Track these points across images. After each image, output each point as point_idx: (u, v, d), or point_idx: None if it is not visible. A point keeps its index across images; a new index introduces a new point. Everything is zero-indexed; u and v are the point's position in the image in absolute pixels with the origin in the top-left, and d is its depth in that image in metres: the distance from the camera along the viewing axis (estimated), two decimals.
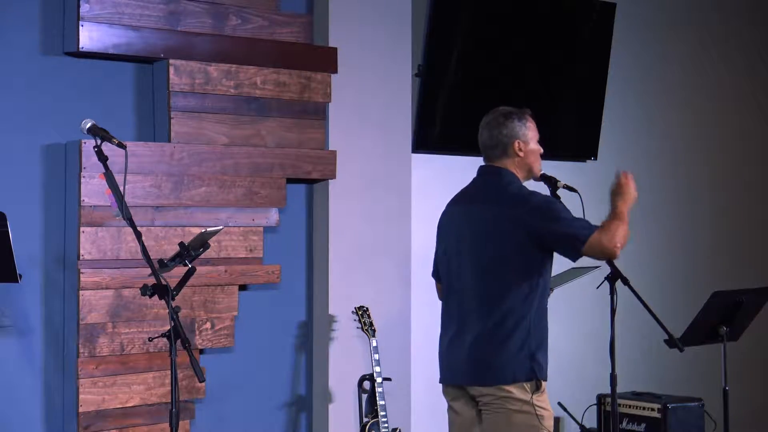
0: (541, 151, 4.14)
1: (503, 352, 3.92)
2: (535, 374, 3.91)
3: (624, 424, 5.62)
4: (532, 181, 4.33)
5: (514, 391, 3.89)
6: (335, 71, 5.10)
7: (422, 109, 5.50)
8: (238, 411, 4.94)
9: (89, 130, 3.66)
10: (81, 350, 4.36)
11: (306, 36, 5.05)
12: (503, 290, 3.93)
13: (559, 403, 5.72)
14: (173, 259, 3.59)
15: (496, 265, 3.95)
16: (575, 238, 3.91)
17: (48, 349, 4.46)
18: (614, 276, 4.05)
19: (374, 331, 4.93)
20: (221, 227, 3.78)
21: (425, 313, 5.14)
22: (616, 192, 4.10)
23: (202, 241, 3.61)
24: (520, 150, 4.05)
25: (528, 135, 4.08)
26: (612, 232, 3.96)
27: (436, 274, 4.16)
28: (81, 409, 4.36)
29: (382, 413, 4.88)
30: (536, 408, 3.90)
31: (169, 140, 4.62)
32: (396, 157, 5.37)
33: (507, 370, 3.91)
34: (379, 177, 5.28)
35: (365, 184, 5.24)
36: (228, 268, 4.74)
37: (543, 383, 3.94)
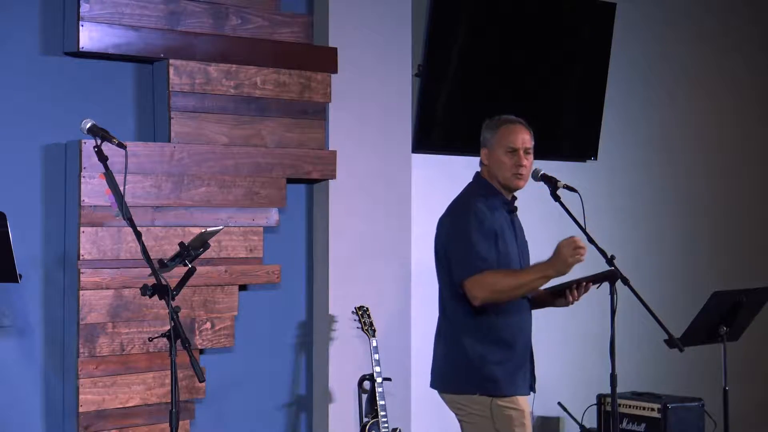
0: (518, 162, 4.04)
1: (451, 360, 4.02)
2: (487, 390, 3.95)
3: (624, 424, 5.62)
4: (532, 181, 4.33)
5: (464, 398, 4.00)
6: (335, 71, 5.10)
7: (422, 109, 5.50)
8: (238, 411, 4.94)
9: (89, 130, 3.66)
10: (81, 350, 4.36)
11: (306, 36, 5.05)
12: (447, 299, 4.05)
13: (559, 403, 5.73)
14: (173, 259, 3.59)
15: (440, 274, 4.08)
16: (459, 272, 3.93)
17: (48, 349, 4.46)
18: (614, 276, 4.05)
19: (374, 331, 4.93)
20: (221, 227, 3.78)
21: (425, 313, 5.13)
22: (556, 251, 3.89)
23: (202, 241, 3.61)
24: (486, 158, 4.10)
25: (493, 142, 4.09)
26: (485, 284, 3.89)
27: None
28: (81, 409, 4.36)
29: (382, 413, 4.87)
30: (501, 410, 3.95)
31: (169, 140, 4.62)
32: (396, 157, 5.37)
33: (456, 379, 4.01)
34: (379, 177, 5.28)
35: (365, 184, 5.24)
36: (228, 268, 4.74)
37: (502, 398, 3.96)
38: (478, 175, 4.16)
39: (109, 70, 4.63)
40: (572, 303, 4.16)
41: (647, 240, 6.50)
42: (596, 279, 4.09)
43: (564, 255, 3.83)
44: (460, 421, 4.05)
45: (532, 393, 4.14)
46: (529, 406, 4.08)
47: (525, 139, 4.09)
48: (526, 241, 4.25)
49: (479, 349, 3.97)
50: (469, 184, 4.17)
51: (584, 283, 4.11)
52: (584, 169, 6.12)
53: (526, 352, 4.10)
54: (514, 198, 4.19)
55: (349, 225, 5.19)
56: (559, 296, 4.17)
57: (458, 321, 4.01)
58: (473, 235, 3.94)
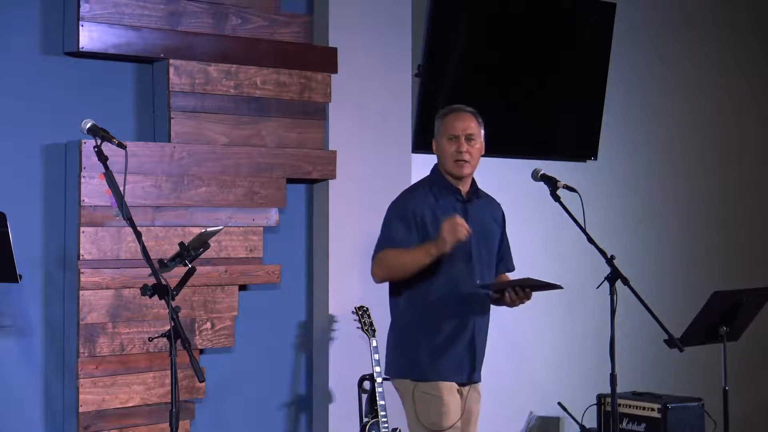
0: (458, 149, 4.08)
1: (390, 346, 4.18)
2: (409, 374, 4.09)
3: (624, 424, 5.62)
4: (532, 181, 4.33)
5: (398, 383, 4.15)
6: (335, 71, 5.10)
7: (422, 109, 5.50)
8: (238, 411, 4.94)
9: (89, 130, 3.66)
10: (81, 350, 4.36)
11: (306, 36, 5.05)
12: (390, 286, 4.18)
13: (559, 403, 5.73)
14: (173, 259, 3.59)
15: None
16: (374, 250, 4.11)
17: (48, 349, 4.46)
18: (614, 276, 4.05)
19: (374, 331, 4.92)
20: (221, 227, 3.78)
21: None
22: (441, 232, 3.93)
23: (202, 241, 3.61)
24: (435, 148, 4.18)
25: (439, 130, 4.16)
26: (381, 260, 4.07)
27: None
28: (81, 409, 4.36)
29: (382, 413, 4.87)
30: (422, 395, 4.06)
31: (169, 140, 4.62)
32: (396, 157, 5.37)
33: (395, 364, 4.16)
34: (379, 177, 5.28)
35: (365, 184, 5.24)
36: (228, 268, 4.74)
37: (425, 382, 4.06)
38: (434, 166, 4.22)
39: (109, 70, 4.63)
40: (511, 305, 4.12)
41: (647, 240, 6.50)
42: (540, 286, 4.09)
43: (443, 233, 3.90)
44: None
45: (472, 385, 4.18)
46: (460, 396, 4.11)
47: (467, 126, 4.12)
48: (490, 230, 4.23)
49: (408, 334, 4.10)
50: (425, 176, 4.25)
51: (526, 289, 4.07)
52: (584, 169, 6.12)
53: (463, 341, 4.10)
54: (474, 187, 4.21)
55: (349, 225, 5.18)
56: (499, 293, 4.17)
57: (396, 306, 4.16)
58: (391, 221, 4.09)
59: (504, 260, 4.34)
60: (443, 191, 4.14)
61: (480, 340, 4.19)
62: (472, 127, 4.13)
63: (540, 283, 4.08)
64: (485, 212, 4.24)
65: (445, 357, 4.07)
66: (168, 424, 3.49)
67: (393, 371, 4.20)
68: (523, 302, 4.14)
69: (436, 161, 4.20)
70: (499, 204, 4.35)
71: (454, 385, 4.10)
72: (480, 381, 4.25)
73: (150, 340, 3.77)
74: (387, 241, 4.07)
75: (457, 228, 3.88)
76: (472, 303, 4.14)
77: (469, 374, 4.15)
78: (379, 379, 4.89)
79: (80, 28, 4.40)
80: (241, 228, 4.78)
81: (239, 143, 4.80)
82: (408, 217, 4.06)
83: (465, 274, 4.11)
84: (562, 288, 4.09)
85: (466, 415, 4.17)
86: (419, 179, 4.28)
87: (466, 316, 4.12)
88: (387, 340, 4.23)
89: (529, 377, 5.95)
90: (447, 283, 4.07)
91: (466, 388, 4.17)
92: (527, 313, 5.95)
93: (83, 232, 4.35)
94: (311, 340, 5.20)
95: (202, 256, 3.69)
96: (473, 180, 4.23)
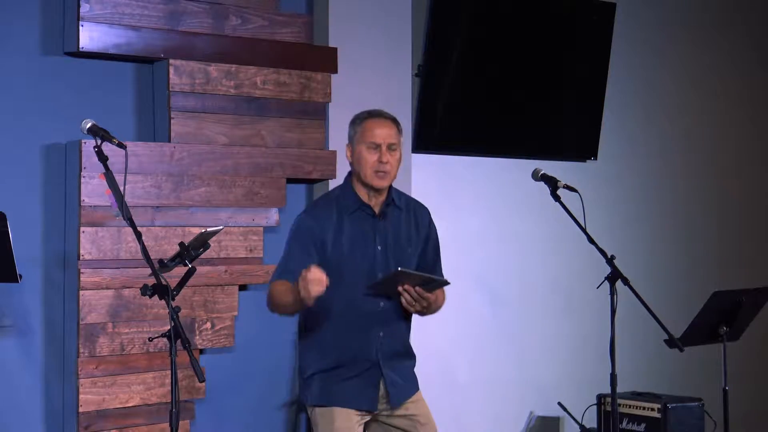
0: (378, 159, 3.82)
1: (298, 370, 4.01)
2: (306, 398, 3.92)
3: (624, 424, 5.62)
4: (532, 181, 4.33)
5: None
6: (335, 71, 5.10)
7: (422, 109, 5.50)
8: (238, 411, 4.94)
9: (89, 130, 3.66)
10: (81, 350, 4.36)
11: (306, 36, 5.05)
12: None
13: (559, 403, 5.73)
14: (173, 259, 3.59)
15: None
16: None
17: (48, 349, 4.46)
18: (614, 276, 4.05)
19: None
20: (221, 227, 3.78)
21: None
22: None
23: (202, 241, 3.61)
24: (350, 155, 3.91)
25: (354, 137, 3.88)
26: (271, 294, 3.81)
27: None
28: (81, 409, 4.36)
29: None
30: (316, 419, 3.88)
31: (169, 140, 4.62)
32: None
33: (300, 388, 4.02)
34: None
35: None
36: (228, 268, 4.74)
37: (320, 408, 3.87)
38: (348, 174, 3.96)
39: (109, 70, 4.63)
40: (414, 310, 3.83)
41: (647, 240, 6.50)
42: (377, 285, 3.81)
43: (300, 288, 3.55)
44: None
45: (377, 411, 3.90)
46: (354, 422, 3.86)
47: (389, 134, 3.86)
48: (407, 244, 3.94)
49: (306, 359, 3.93)
50: (339, 186, 3.99)
51: (416, 287, 3.74)
52: (584, 169, 6.12)
53: (361, 366, 3.86)
54: (390, 198, 3.93)
55: None
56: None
57: (300, 327, 4.00)
58: (290, 243, 3.85)
59: (432, 273, 3.93)
60: (350, 208, 3.87)
61: (388, 364, 3.88)
62: (393, 136, 3.87)
63: (421, 278, 3.76)
64: (401, 225, 3.94)
65: (341, 382, 3.84)
66: (168, 424, 3.49)
67: (301, 393, 4.01)
68: (423, 305, 3.78)
69: (352, 174, 3.92)
70: (426, 210, 4.07)
71: (352, 413, 3.85)
72: (415, 391, 3.97)
73: (150, 340, 3.77)
74: (281, 269, 3.81)
75: (308, 284, 3.51)
76: (373, 328, 3.86)
77: (372, 401, 3.87)
78: None
79: (80, 28, 4.40)
80: (241, 228, 4.78)
81: (239, 143, 4.80)
82: (306, 240, 3.80)
83: (367, 295, 3.82)
84: (449, 283, 3.82)
85: None
86: (331, 189, 4.01)
87: (366, 341, 3.85)
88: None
89: (529, 377, 5.95)
90: (347, 304, 3.81)
91: (376, 413, 3.91)
92: (527, 313, 5.98)
93: (83, 232, 4.35)
94: None
95: (202, 256, 3.68)
96: (390, 189, 3.93)
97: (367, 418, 3.92)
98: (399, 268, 3.71)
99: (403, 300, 3.77)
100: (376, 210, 3.91)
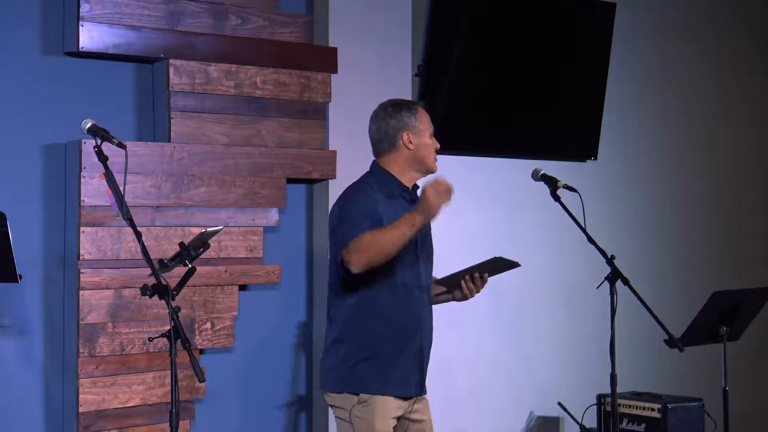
0: (437, 146, 4.00)
1: (328, 357, 3.94)
2: (353, 385, 3.86)
3: (624, 424, 5.62)
4: (532, 181, 4.33)
5: (336, 398, 3.90)
6: (335, 71, 5.10)
7: None
8: (238, 411, 4.94)
9: (89, 130, 3.66)
10: (81, 350, 4.36)
11: (306, 36, 5.05)
12: (330, 293, 3.98)
13: (559, 403, 5.73)
14: (173, 259, 3.59)
15: (330, 267, 4.00)
16: (339, 246, 3.79)
17: (48, 349, 4.46)
18: (614, 276, 4.05)
19: None
20: (221, 227, 3.78)
21: None
22: (422, 195, 3.69)
23: (202, 241, 3.61)
24: (410, 142, 3.96)
25: (419, 126, 3.97)
26: (359, 244, 3.69)
27: None
28: (81, 409, 4.36)
29: None
30: (353, 419, 3.85)
31: (169, 140, 4.62)
32: None
33: (329, 376, 3.93)
34: None
35: None
36: (228, 268, 4.74)
37: (367, 396, 3.84)
38: (374, 163, 4.02)
39: (109, 70, 4.63)
40: (470, 296, 4.00)
41: (647, 240, 6.50)
42: (483, 268, 3.93)
43: (429, 197, 3.64)
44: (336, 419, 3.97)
45: (419, 396, 3.95)
46: (401, 415, 3.90)
47: None
48: (428, 232, 4.05)
49: (348, 345, 3.88)
50: (363, 177, 4.02)
51: (477, 274, 3.95)
52: (584, 169, 6.12)
53: (409, 351, 3.90)
54: (416, 186, 4.00)
55: None
56: (456, 289, 4.03)
57: (336, 317, 3.94)
58: (351, 215, 3.81)
59: (431, 254, 4.14)
60: (393, 190, 3.94)
61: (428, 348, 3.98)
62: None
63: (503, 263, 3.93)
64: None
65: (391, 370, 3.85)
66: (168, 424, 3.49)
67: (327, 384, 3.94)
68: (479, 291, 3.98)
69: (397, 160, 3.97)
70: None
71: (401, 401, 3.89)
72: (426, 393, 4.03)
73: (150, 340, 3.77)
74: (357, 228, 3.74)
75: (442, 189, 3.65)
76: (419, 309, 3.94)
77: (418, 388, 3.93)
78: None
79: (80, 28, 4.40)
80: (241, 228, 4.78)
81: (239, 143, 4.80)
82: (368, 214, 3.79)
83: (412, 276, 3.92)
84: (519, 265, 3.95)
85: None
86: (361, 178, 4.02)
87: (413, 323, 3.91)
88: (323, 351, 3.99)
89: (529, 377, 5.95)
90: (398, 286, 3.86)
91: (411, 402, 3.95)
92: (527, 313, 5.98)
93: (83, 232, 4.35)
94: (311, 340, 5.20)
95: (202, 256, 3.69)
96: None
97: (400, 412, 3.91)
98: (498, 256, 3.88)
99: (464, 287, 3.94)
100: (411, 195, 4.01)
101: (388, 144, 3.98)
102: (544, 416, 5.95)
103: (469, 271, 3.97)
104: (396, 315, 3.88)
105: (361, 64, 5.23)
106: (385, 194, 3.92)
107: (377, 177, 3.98)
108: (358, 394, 3.86)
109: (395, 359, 3.87)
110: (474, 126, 5.74)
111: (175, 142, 4.63)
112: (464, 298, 4.04)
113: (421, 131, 3.97)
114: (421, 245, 3.98)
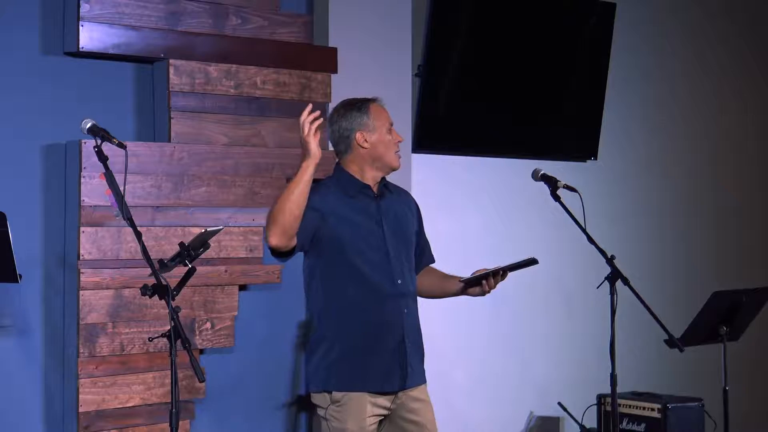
0: (399, 139, 4.00)
1: (311, 356, 3.96)
2: (328, 384, 3.87)
3: (624, 424, 5.62)
4: (532, 181, 4.33)
5: (317, 397, 3.92)
6: (335, 71, 5.10)
7: (422, 109, 5.50)
8: (238, 411, 4.94)
9: (89, 130, 3.66)
10: (81, 350, 4.36)
11: (306, 36, 5.05)
12: (307, 292, 3.98)
13: (559, 403, 5.73)
14: (173, 259, 3.59)
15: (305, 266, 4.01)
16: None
17: (48, 349, 4.46)
18: (614, 276, 4.06)
19: None
20: (221, 227, 3.78)
21: (424, 312, 5.14)
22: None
23: (203, 241, 3.61)
24: (365, 141, 3.96)
25: (372, 124, 3.94)
26: (267, 217, 3.76)
27: None
28: (81, 409, 4.36)
29: None
30: (328, 418, 3.86)
31: (169, 140, 4.62)
32: None
33: (311, 375, 3.94)
34: None
35: None
36: (228, 268, 4.74)
37: (340, 395, 3.84)
38: (336, 165, 4.03)
39: (109, 70, 4.63)
40: (488, 292, 4.03)
41: (647, 240, 6.50)
42: (517, 267, 3.98)
43: (301, 137, 3.69)
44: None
45: (407, 391, 3.93)
46: (382, 410, 3.90)
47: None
48: (406, 224, 4.05)
49: (326, 342, 3.89)
50: (327, 178, 4.06)
51: (501, 271, 4.00)
52: (584, 169, 6.12)
53: (386, 347, 3.89)
54: (384, 180, 4.02)
55: None
56: (474, 285, 4.05)
57: (313, 312, 3.97)
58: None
59: (425, 253, 4.18)
60: (349, 190, 3.94)
61: (411, 341, 3.94)
62: None
63: (518, 264, 3.99)
64: (398, 206, 4.05)
65: (368, 365, 3.84)
66: (168, 424, 3.49)
67: (311, 384, 3.95)
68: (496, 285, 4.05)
69: (355, 161, 3.97)
70: (411, 196, 4.21)
71: (376, 400, 3.87)
72: (425, 382, 4.01)
73: (150, 340, 3.77)
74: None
75: (307, 121, 3.67)
76: (396, 302, 3.90)
77: (401, 379, 3.90)
78: None
79: (80, 28, 4.40)
80: (241, 228, 4.78)
81: (239, 143, 4.80)
82: (310, 206, 3.77)
83: (382, 269, 3.89)
84: (537, 262, 3.98)
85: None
86: (321, 181, 4.03)
87: (391, 316, 3.89)
88: (308, 346, 4.02)
89: (529, 377, 5.95)
90: (365, 281, 3.85)
91: (394, 397, 3.91)
92: (527, 313, 5.98)
93: (83, 232, 4.35)
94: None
95: (202, 256, 3.69)
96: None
97: (385, 412, 3.90)
98: (532, 257, 3.93)
99: (485, 284, 3.98)
100: (375, 192, 4.00)
101: (344, 146, 3.99)
102: (544, 416, 5.95)
103: (501, 270, 3.99)
104: (365, 311, 3.88)
105: (361, 64, 5.23)
106: (342, 193, 3.94)
107: (336, 178, 4.01)
108: (331, 393, 3.88)
109: (370, 355, 3.87)
110: (474, 126, 5.74)
111: (175, 142, 4.62)
112: (482, 294, 4.07)
113: (375, 128, 3.96)
114: (391, 240, 3.95)
